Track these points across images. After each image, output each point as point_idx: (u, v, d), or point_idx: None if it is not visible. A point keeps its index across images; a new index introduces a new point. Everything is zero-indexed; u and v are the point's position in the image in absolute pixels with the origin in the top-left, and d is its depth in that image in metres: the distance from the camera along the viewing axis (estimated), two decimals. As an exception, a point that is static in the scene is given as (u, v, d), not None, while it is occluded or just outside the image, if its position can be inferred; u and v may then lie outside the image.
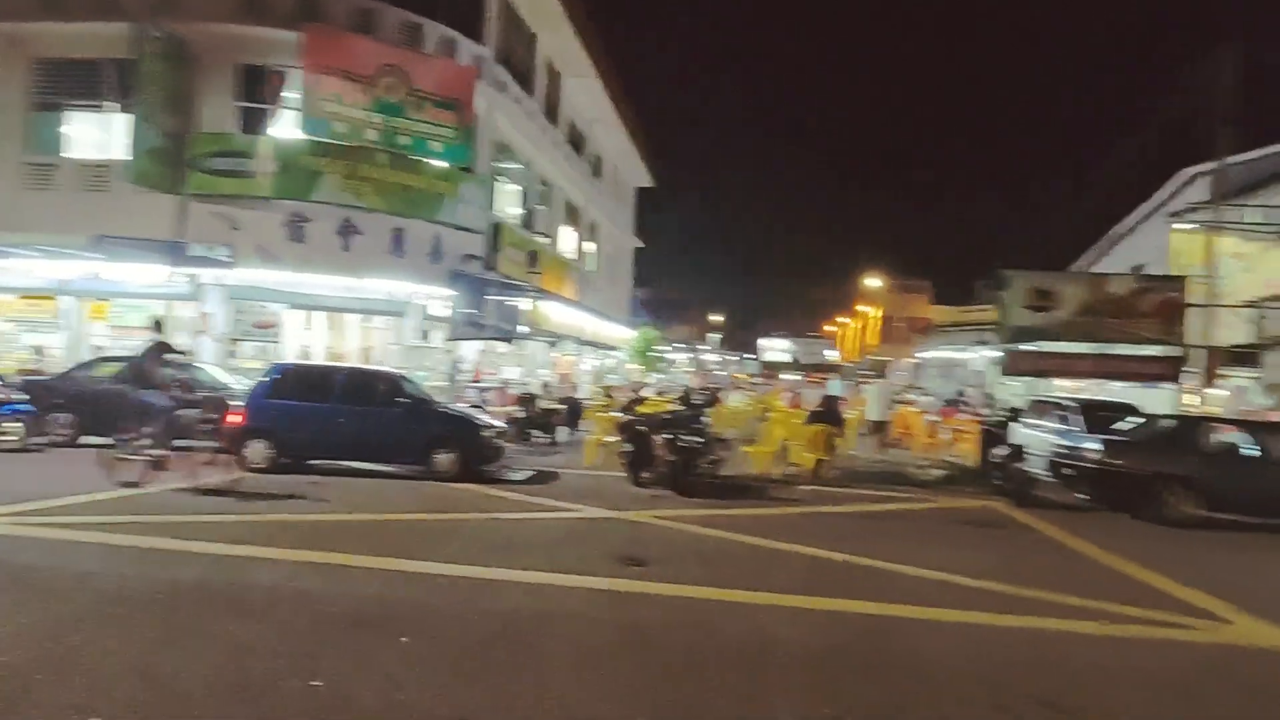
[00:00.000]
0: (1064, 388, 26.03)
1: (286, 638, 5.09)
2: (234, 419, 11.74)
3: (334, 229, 19.00)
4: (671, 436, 11.54)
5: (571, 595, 6.39)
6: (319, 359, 23.93)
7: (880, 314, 71.04)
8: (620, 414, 13.08)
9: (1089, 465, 12.08)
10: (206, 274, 19.07)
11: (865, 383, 43.41)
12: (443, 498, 10.57)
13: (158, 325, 11.88)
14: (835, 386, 31.56)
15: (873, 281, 52.23)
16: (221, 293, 19.46)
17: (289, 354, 21.16)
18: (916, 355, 45.65)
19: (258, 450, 11.73)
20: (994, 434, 13.59)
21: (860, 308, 76.03)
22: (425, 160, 19.80)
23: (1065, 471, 12.59)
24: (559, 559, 7.55)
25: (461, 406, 13.12)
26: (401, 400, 11.65)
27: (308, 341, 24.65)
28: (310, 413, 11.79)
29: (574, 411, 16.87)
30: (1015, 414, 14.30)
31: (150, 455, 10.23)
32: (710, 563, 7.79)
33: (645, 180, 41.86)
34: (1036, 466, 13.10)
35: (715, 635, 5.61)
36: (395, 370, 12.63)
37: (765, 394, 32.43)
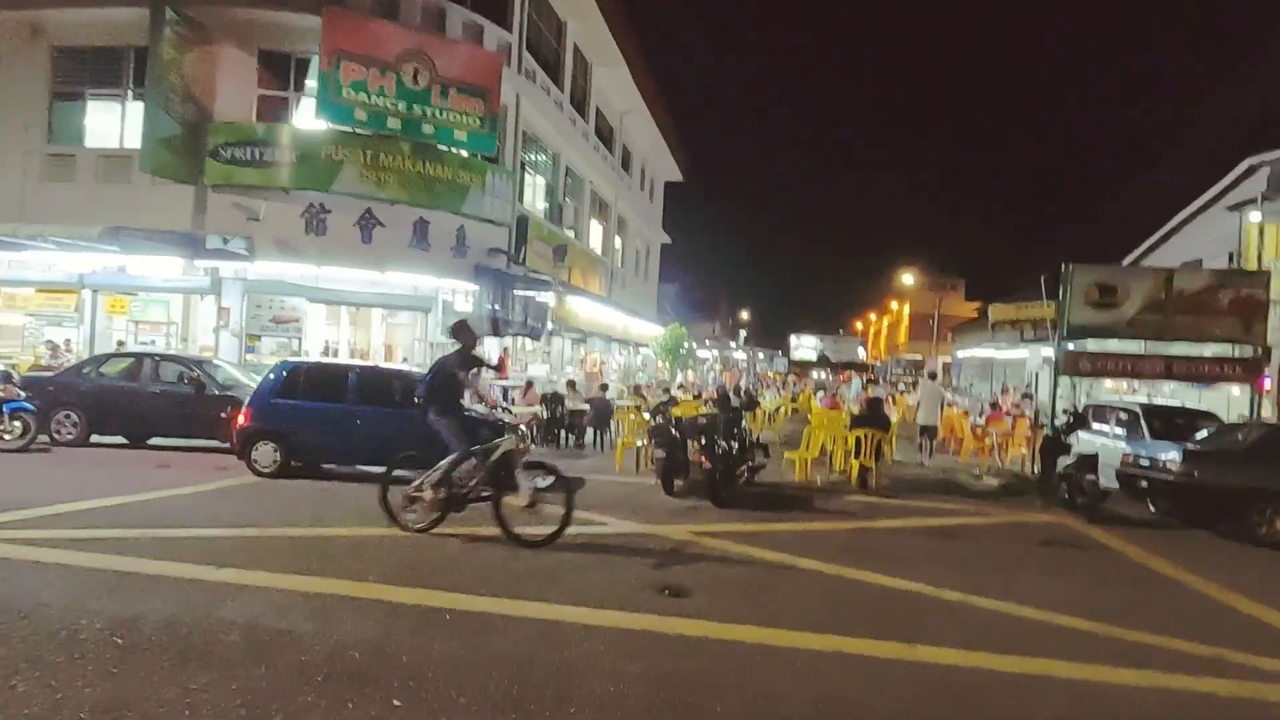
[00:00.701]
0: (1107, 389, 24.64)
1: (254, 699, 4.12)
2: (239, 420, 10.90)
3: (355, 221, 18.17)
4: (708, 442, 10.50)
5: (598, 637, 5.37)
6: (343, 355, 23.27)
7: (908, 311, 69.44)
8: (651, 416, 12.04)
9: (1168, 478, 10.84)
10: (225, 267, 18.37)
11: (893, 382, 41.97)
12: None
13: (460, 329, 8.83)
14: (855, 386, 30.22)
15: (906, 277, 50.58)
16: (240, 287, 18.74)
17: (312, 350, 20.44)
18: (956, 354, 43.99)
19: (266, 453, 10.85)
20: (1058, 442, 12.35)
21: (891, 305, 74.50)
22: (449, 150, 18.90)
23: (1140, 484, 11.36)
24: (586, 588, 6.54)
25: (480, 408, 12.13)
26: (421, 400, 10.70)
27: (331, 337, 23.99)
28: (322, 414, 10.90)
29: (602, 412, 15.89)
30: (1080, 419, 13.05)
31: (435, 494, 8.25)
32: (759, 593, 6.73)
33: (674, 175, 40.76)
34: (1104, 477, 11.86)
35: (773, 696, 4.56)
36: (414, 369, 11.73)
37: (798, 393, 31.31)
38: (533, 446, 15.65)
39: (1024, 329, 27.77)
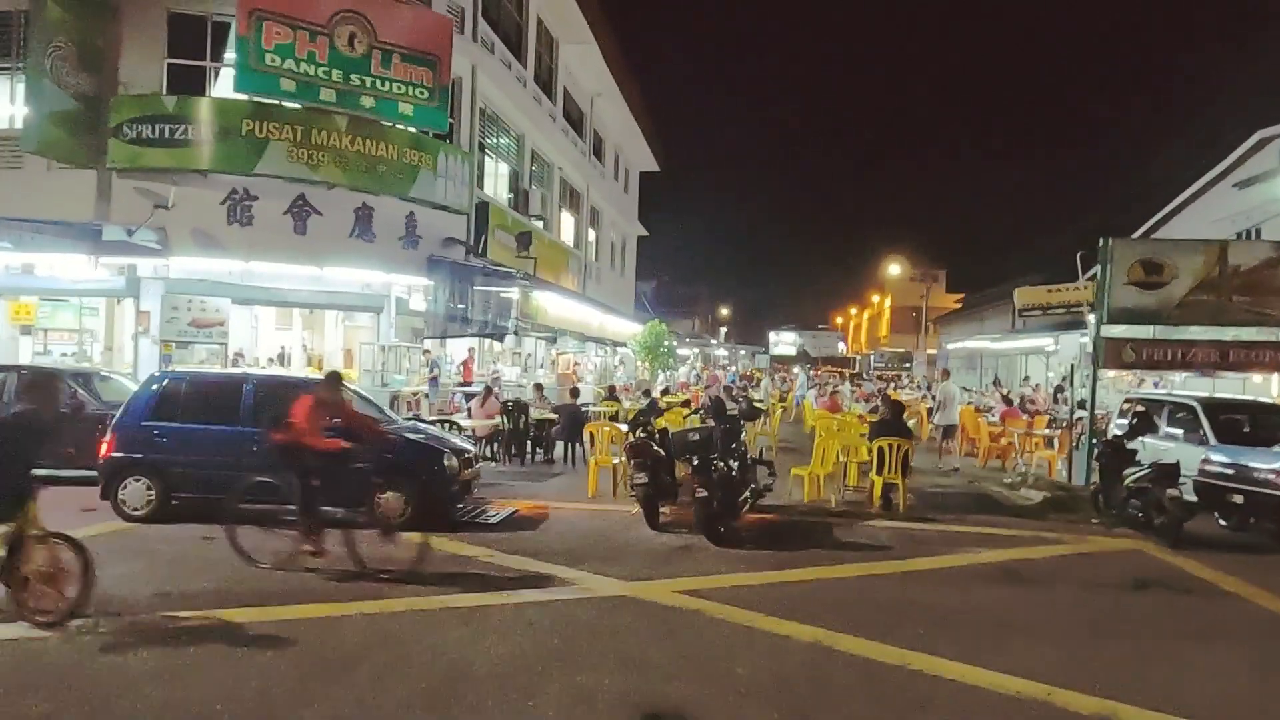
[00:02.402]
0: (1108, 379, 22.60)
1: None
2: (103, 449, 8.41)
3: (285, 208, 15.64)
4: (703, 464, 8.18)
5: None
6: (296, 363, 20.71)
7: (889, 304, 67.62)
8: (630, 429, 9.69)
9: (1270, 492, 8.68)
10: (144, 265, 15.77)
11: (889, 378, 39.89)
12: (375, 564, 7.19)
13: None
14: (846, 390, 27.34)
15: (892, 267, 48.54)
16: (161, 287, 16.13)
17: (247, 358, 17.89)
18: (945, 345, 42.00)
19: (136, 492, 8.37)
20: (1120, 449, 10.14)
21: (872, 298, 72.64)
22: (394, 126, 16.40)
23: (1230, 498, 9.19)
24: (537, 716, 4.18)
25: (426, 427, 9.71)
26: (335, 420, 8.28)
27: (284, 342, 21.41)
28: (209, 439, 8.43)
29: (574, 422, 13.53)
30: (1145, 421, 10.88)
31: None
32: (793, 708, 4.41)
33: (649, 164, 38.37)
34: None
35: None
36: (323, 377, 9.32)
37: (785, 391, 29.06)
38: (491, 464, 13.26)
39: (1019, 319, 25.68)
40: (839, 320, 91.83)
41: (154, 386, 8.65)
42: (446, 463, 8.49)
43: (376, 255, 16.57)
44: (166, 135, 14.94)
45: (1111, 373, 26.50)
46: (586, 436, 11.48)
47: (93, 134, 14.88)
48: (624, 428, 11.29)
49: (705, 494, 7.98)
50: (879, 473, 10.03)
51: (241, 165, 15.15)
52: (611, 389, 18.45)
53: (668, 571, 7.21)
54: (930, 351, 52.49)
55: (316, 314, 21.01)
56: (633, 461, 8.79)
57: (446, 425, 11.62)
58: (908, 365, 54.21)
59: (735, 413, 9.56)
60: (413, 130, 16.76)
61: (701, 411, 9.81)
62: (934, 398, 18.61)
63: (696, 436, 8.48)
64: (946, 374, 19.46)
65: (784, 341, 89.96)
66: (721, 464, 8.24)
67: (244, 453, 8.36)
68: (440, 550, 7.63)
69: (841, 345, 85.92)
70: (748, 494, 8.49)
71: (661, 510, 8.97)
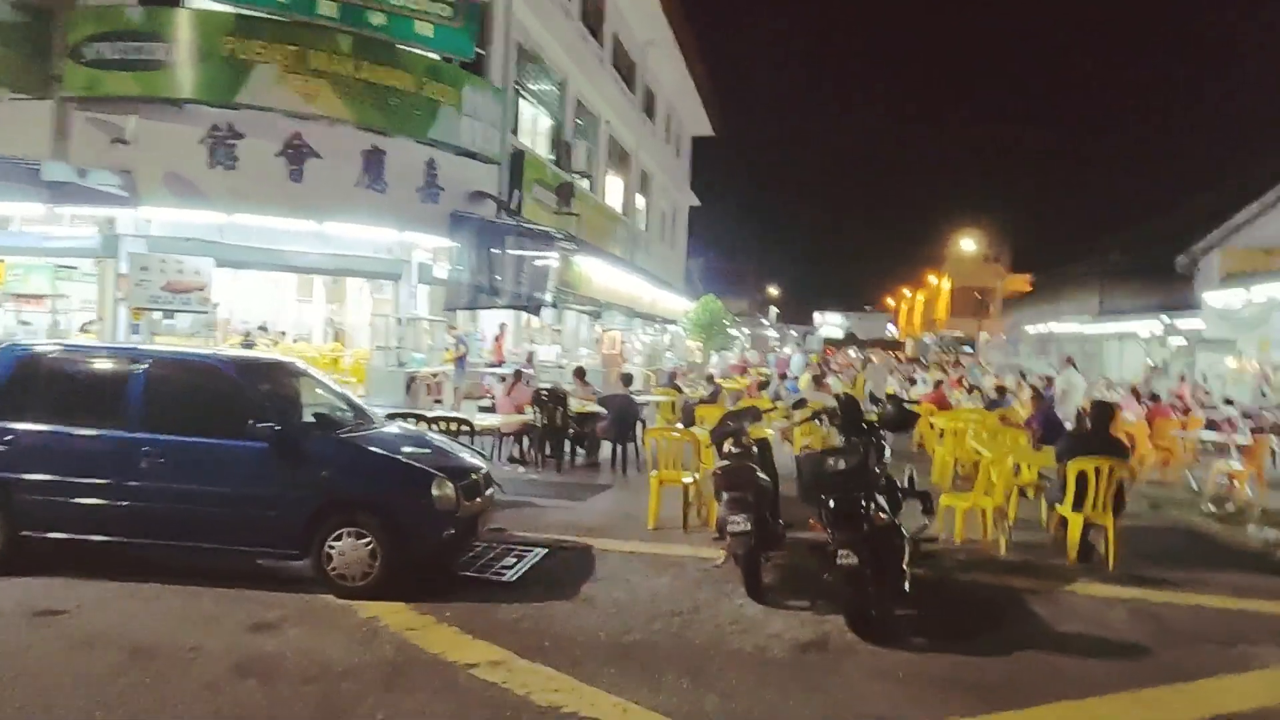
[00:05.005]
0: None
1: None
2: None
3: (278, 149, 12.66)
4: (848, 510, 4.93)
5: None
6: (315, 337, 17.87)
7: (949, 284, 63.13)
8: (716, 442, 6.42)
9: None
10: (124, 221, 12.95)
11: (947, 364, 36.01)
12: (297, 687, 4.09)
13: None
14: (877, 374, 22.00)
15: (963, 243, 44.30)
16: (143, 246, 13.27)
17: (234, 331, 15.09)
18: (1023, 328, 37.88)
19: (-31, 528, 5.39)
20: None
21: (929, 279, 68.12)
22: (410, 49, 13.30)
23: None
24: None
25: (414, 431, 6.54)
26: (265, 426, 5.21)
27: (303, 312, 18.59)
28: (79, 448, 5.40)
29: (624, 417, 10.37)
30: None
31: None
32: None
33: (703, 128, 34.79)
34: None
35: None
36: (269, 358, 6.14)
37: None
38: (519, 469, 10.13)
39: (1216, 284, 21.48)
40: (889, 301, 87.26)
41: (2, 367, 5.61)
42: (435, 492, 5.33)
43: (389, 209, 13.57)
44: (132, 56, 12.02)
45: (1232, 363, 22.63)
46: (647, 442, 8.25)
47: (41, 56, 12.00)
48: (681, 427, 8.05)
49: (855, 562, 4.72)
50: (1077, 508, 6.67)
51: (223, 94, 12.20)
52: (672, 376, 15.21)
53: (807, 713, 4.00)
54: (983, 336, 48.19)
55: (339, 283, 18.17)
56: (726, 496, 5.56)
57: (454, 427, 8.48)
58: (968, 349, 49.99)
59: (878, 418, 6.23)
60: (433, 56, 13.63)
61: (821, 419, 6.49)
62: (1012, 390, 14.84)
63: (842, 465, 5.18)
64: (1070, 361, 15.84)
65: (829, 323, 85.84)
66: (876, 510, 4.97)
67: (133, 470, 5.32)
68: (412, 645, 4.52)
69: (891, 327, 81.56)
70: (913, 553, 5.20)
71: (765, 561, 5.74)
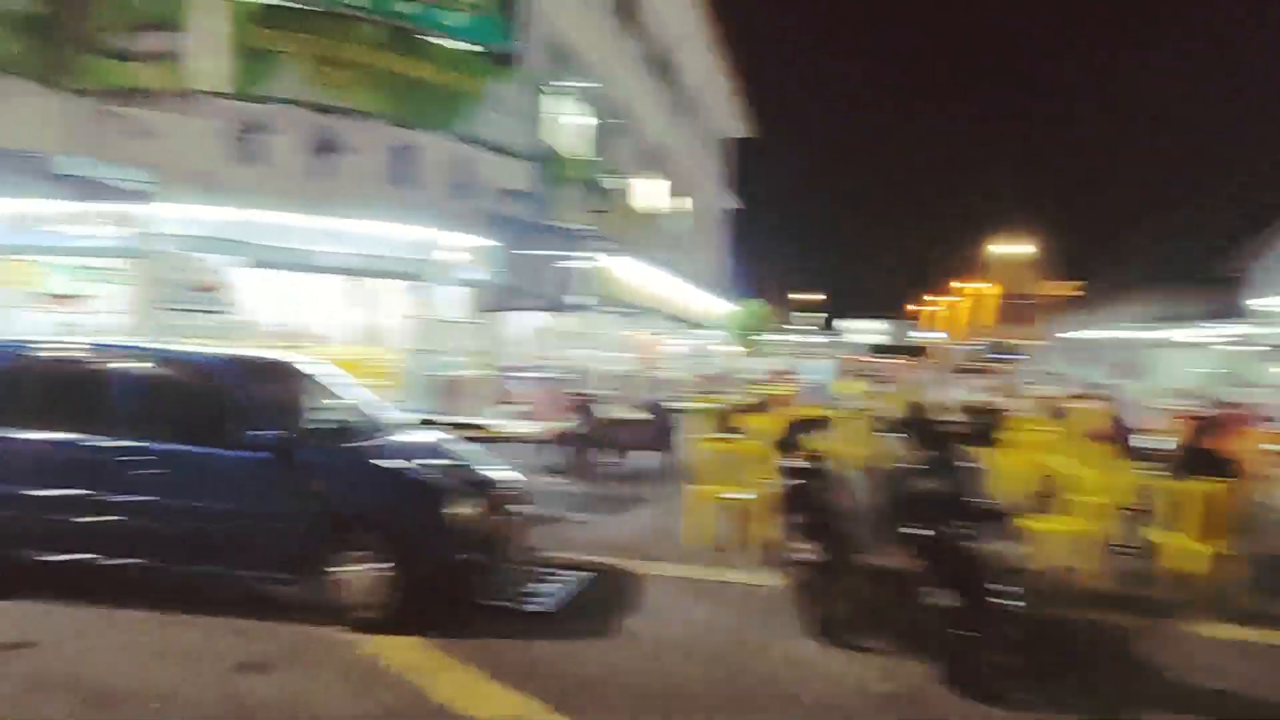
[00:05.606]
0: None
1: None
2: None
3: (305, 143, 12.16)
4: (940, 542, 4.12)
5: None
6: (340, 339, 17.29)
7: (997, 290, 61.38)
8: (781, 450, 5.60)
9: None
10: (156, 218, 12.51)
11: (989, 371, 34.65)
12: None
13: None
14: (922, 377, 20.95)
15: (1015, 248, 42.84)
16: (174, 246, 12.82)
17: (267, 334, 14.56)
18: (1069, 334, 36.38)
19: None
20: None
21: (970, 285, 66.33)
22: (440, 41, 12.73)
23: None
24: None
25: (437, 440, 5.74)
26: (259, 434, 4.54)
27: (313, 317, 18.06)
28: (44, 455, 4.78)
29: (667, 424, 9.60)
30: None
31: None
32: None
33: (738, 130, 33.97)
34: None
35: None
36: (268, 357, 5.42)
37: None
38: (556, 480, 9.40)
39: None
40: (932, 309, 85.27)
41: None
42: (449, 509, 4.61)
43: (420, 206, 12.98)
44: (155, 48, 11.57)
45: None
46: (697, 453, 7.44)
47: (60, 44, 11.61)
48: (742, 438, 7.24)
49: (952, 602, 3.91)
50: (1187, 534, 5.75)
51: (248, 84, 11.70)
52: (713, 381, 14.42)
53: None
54: (1034, 344, 46.47)
55: (374, 285, 17.63)
56: (794, 519, 4.77)
57: (487, 433, 7.78)
58: (1021, 356, 48.23)
59: (964, 425, 5.38)
60: (463, 48, 13.05)
61: (895, 431, 5.62)
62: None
63: (935, 486, 4.38)
64: (1129, 370, 14.69)
65: (871, 329, 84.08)
66: (975, 540, 4.14)
67: (109, 481, 4.68)
68: (416, 691, 3.80)
69: (920, 334, 79.34)
70: (1006, 589, 4.36)
71: (833, 600, 4.91)
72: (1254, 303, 20.73)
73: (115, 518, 4.68)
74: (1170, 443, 7.01)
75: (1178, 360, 29.65)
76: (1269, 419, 13.13)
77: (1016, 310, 51.10)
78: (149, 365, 5.01)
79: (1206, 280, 24.98)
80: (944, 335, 77.84)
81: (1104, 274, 41.57)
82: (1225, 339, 24.27)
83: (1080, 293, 45.79)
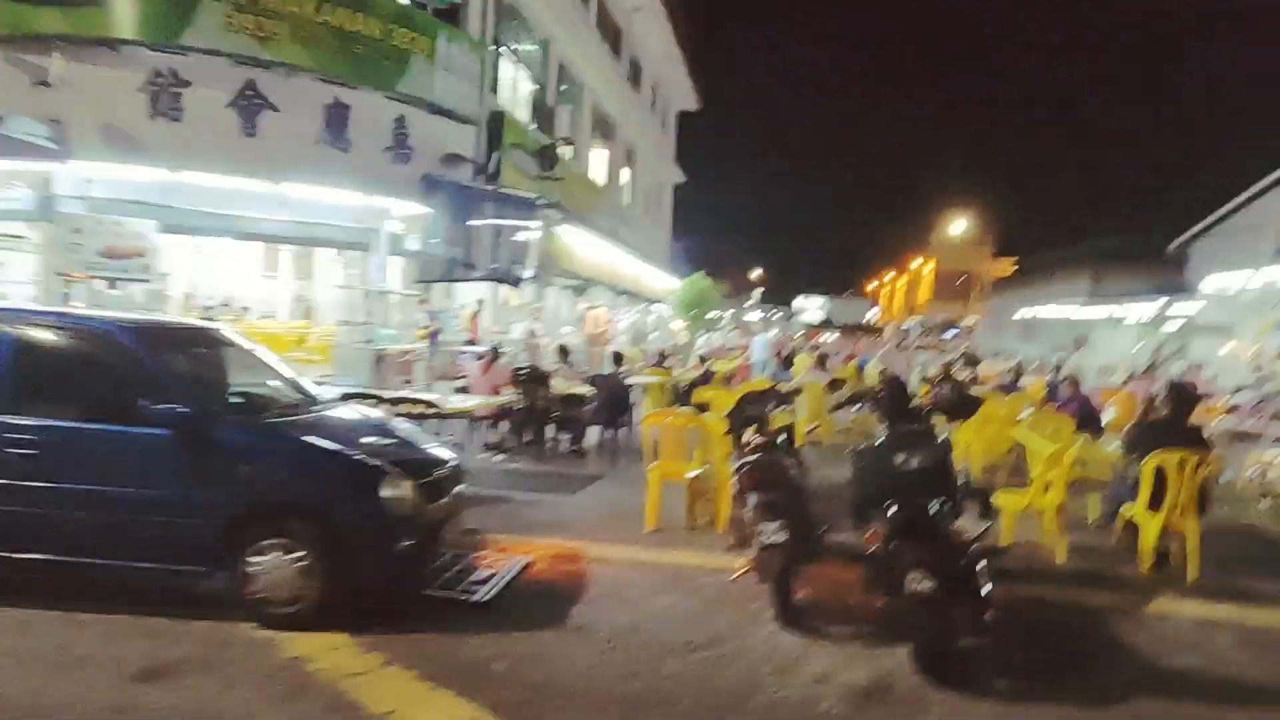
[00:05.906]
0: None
1: None
2: None
3: (229, 99, 11.31)
4: (920, 524, 3.86)
5: None
6: (280, 313, 16.40)
7: (932, 268, 62.46)
8: (733, 430, 5.28)
9: None
10: (62, 180, 11.51)
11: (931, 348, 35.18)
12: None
13: None
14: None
15: (951, 226, 43.57)
16: (83, 208, 11.86)
17: (195, 306, 13.71)
18: (1029, 313, 36.94)
19: None
20: None
21: (911, 263, 67.37)
22: (378, -7, 11.97)
23: None
24: None
25: (370, 415, 5.23)
26: (165, 408, 4.02)
27: (242, 288, 17.11)
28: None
29: (617, 398, 9.25)
30: None
31: None
32: None
33: (689, 103, 33.47)
34: None
35: None
36: (181, 323, 4.78)
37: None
38: (497, 457, 8.98)
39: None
40: (870, 286, 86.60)
41: None
42: (386, 493, 4.18)
43: (354, 170, 12.24)
44: (61, -11, 10.57)
45: (1230, 348, 21.87)
46: (646, 428, 7.06)
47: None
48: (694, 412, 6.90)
49: (932, 587, 3.65)
50: (1153, 508, 5.65)
51: (165, 34, 10.81)
52: (661, 356, 14.10)
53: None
54: (969, 320, 47.53)
55: (307, 255, 16.76)
56: (754, 499, 4.46)
57: (421, 410, 7.31)
58: (950, 333, 49.31)
59: (943, 404, 5.13)
60: (406, 1, 12.32)
61: (868, 406, 5.35)
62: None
63: (915, 463, 4.08)
64: (1079, 344, 14.90)
65: (811, 307, 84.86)
66: (954, 521, 3.90)
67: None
68: (351, 703, 3.38)
69: (876, 311, 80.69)
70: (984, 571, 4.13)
71: (796, 590, 4.63)
72: (1205, 279, 21.31)
73: (4, 507, 4.11)
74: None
75: (1124, 338, 30.50)
76: (1204, 396, 13.45)
77: (959, 288, 52.00)
78: (38, 332, 4.41)
79: (1154, 259, 25.56)
80: (885, 309, 79.20)
81: (1049, 252, 42.39)
82: (1172, 316, 24.95)
83: (1019, 269, 46.71)
